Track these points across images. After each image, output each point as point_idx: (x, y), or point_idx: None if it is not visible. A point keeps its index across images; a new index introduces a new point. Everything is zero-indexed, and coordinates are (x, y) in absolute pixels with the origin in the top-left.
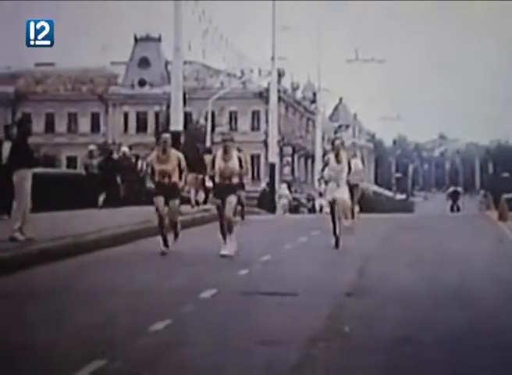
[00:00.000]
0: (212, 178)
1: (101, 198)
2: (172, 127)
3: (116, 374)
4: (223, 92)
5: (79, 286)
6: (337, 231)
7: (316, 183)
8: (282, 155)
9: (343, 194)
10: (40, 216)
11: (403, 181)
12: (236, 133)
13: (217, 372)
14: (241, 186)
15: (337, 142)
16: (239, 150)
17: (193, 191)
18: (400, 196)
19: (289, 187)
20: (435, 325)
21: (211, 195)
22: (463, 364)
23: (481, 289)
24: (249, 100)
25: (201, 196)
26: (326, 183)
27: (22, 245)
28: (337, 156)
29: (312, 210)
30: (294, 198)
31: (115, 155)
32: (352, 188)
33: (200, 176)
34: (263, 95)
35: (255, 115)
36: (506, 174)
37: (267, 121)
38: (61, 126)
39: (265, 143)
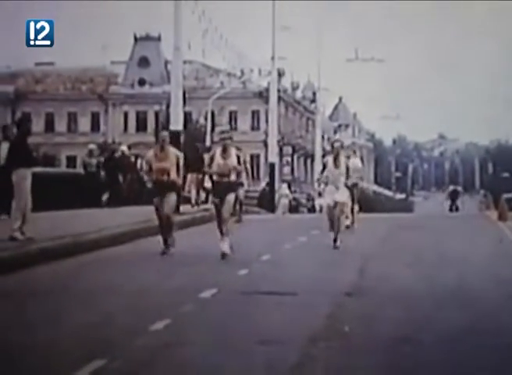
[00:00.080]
0: (210, 176)
1: (105, 197)
2: (172, 127)
3: (116, 374)
4: (223, 92)
5: (79, 285)
6: (335, 232)
7: (315, 184)
8: (281, 155)
9: (343, 196)
10: (40, 215)
11: (403, 181)
12: (236, 133)
13: (217, 371)
14: (240, 184)
15: (336, 145)
16: (238, 149)
17: (193, 191)
18: (400, 196)
19: (289, 187)
20: (435, 325)
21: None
22: (462, 364)
23: (480, 289)
24: (249, 99)
25: (202, 196)
26: (326, 184)
27: (22, 245)
28: (336, 160)
29: (312, 210)
30: (294, 198)
31: (117, 154)
32: (351, 187)
33: (201, 176)
34: (263, 95)
35: (255, 114)
36: (505, 174)
37: (267, 121)
38: (61, 125)
39: (265, 143)
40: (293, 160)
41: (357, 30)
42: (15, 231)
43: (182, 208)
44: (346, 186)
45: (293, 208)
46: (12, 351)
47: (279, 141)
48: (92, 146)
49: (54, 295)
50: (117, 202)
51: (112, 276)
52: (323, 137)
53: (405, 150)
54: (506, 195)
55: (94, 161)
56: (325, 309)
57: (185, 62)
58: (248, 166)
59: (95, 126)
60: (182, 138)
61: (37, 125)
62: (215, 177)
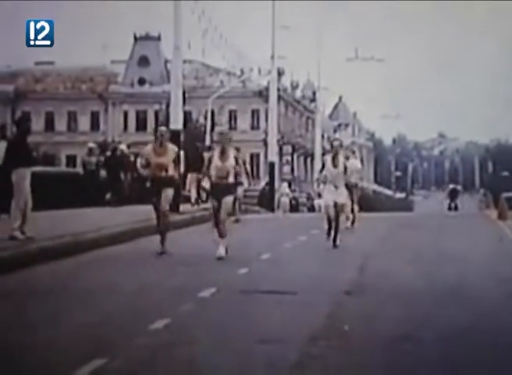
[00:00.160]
0: (209, 177)
1: (108, 196)
2: (172, 126)
3: (116, 373)
4: (223, 91)
5: (78, 285)
6: (334, 232)
7: (315, 184)
8: (281, 154)
9: (342, 196)
10: (39, 214)
11: (403, 180)
12: (236, 132)
13: (217, 370)
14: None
15: (335, 144)
16: (237, 150)
17: (193, 191)
18: (400, 195)
19: (289, 186)
20: (435, 323)
21: None
22: (462, 362)
23: (480, 287)
24: (249, 99)
25: (203, 195)
26: (324, 183)
27: (22, 244)
28: (334, 159)
29: (312, 209)
30: (293, 197)
31: (118, 152)
32: (351, 188)
33: (201, 176)
34: (263, 94)
35: (255, 113)
36: (505, 173)
37: (266, 120)
38: (60, 124)
39: (265, 142)
40: (292, 159)
41: (357, 29)
42: (15, 230)
43: (182, 207)
44: (347, 187)
45: (293, 207)
46: (12, 350)
47: (278, 140)
48: (92, 144)
49: (54, 295)
50: (120, 201)
51: (111, 276)
52: (323, 136)
53: (405, 149)
54: (505, 194)
55: (93, 159)
56: (325, 308)
57: (185, 61)
58: (248, 166)
59: (95, 125)
60: (181, 137)
61: (37, 124)
62: (213, 179)
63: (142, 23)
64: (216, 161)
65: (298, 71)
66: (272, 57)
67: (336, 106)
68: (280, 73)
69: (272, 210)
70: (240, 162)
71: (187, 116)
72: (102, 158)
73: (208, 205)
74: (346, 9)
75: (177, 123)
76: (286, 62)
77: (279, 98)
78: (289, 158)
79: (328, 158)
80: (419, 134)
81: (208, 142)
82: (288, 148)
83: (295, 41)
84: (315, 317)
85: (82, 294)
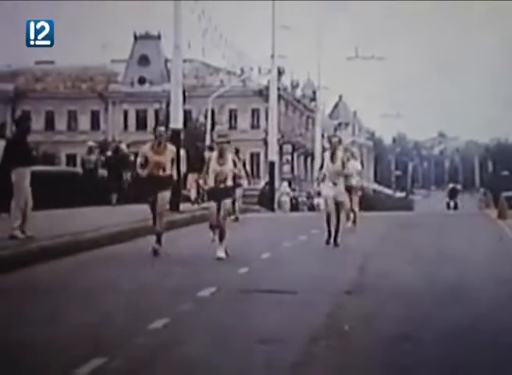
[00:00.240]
0: (204, 182)
1: (114, 199)
2: (172, 125)
3: (115, 372)
4: (223, 90)
5: (78, 284)
6: (332, 230)
7: (315, 183)
8: (281, 153)
9: (341, 194)
10: (39, 214)
11: (403, 179)
12: (236, 132)
13: (216, 370)
14: (238, 186)
15: (334, 140)
16: (237, 151)
17: (193, 191)
18: (400, 194)
19: (289, 185)
20: (435, 322)
21: None
22: (462, 361)
23: (480, 287)
24: (249, 98)
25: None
26: (323, 180)
27: (22, 243)
28: (333, 155)
29: (312, 208)
30: (294, 197)
31: (121, 152)
32: (351, 190)
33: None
34: (263, 93)
35: (255, 113)
36: (505, 172)
37: (267, 119)
38: (60, 124)
39: (265, 141)
40: (293, 158)
41: (357, 28)
42: (15, 230)
43: (182, 206)
44: (346, 186)
45: (293, 206)
46: (12, 349)
47: (278, 140)
48: (91, 143)
49: (53, 293)
50: (123, 200)
51: (111, 275)
52: (323, 135)
53: (405, 148)
54: (505, 193)
55: (93, 157)
56: (325, 308)
57: (185, 60)
58: (248, 167)
59: (95, 124)
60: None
61: (37, 123)
62: (210, 182)
63: (142, 22)
64: (214, 165)
65: (298, 70)
66: (272, 56)
67: (336, 105)
68: (280, 73)
69: (272, 209)
70: (239, 165)
71: (187, 115)
72: (102, 158)
73: (207, 205)
74: (346, 9)
75: (177, 122)
76: (287, 62)
77: (279, 97)
78: (290, 157)
79: (327, 154)
80: (419, 134)
81: (208, 141)
82: (288, 148)
83: (295, 41)
84: (315, 317)
85: (81, 293)
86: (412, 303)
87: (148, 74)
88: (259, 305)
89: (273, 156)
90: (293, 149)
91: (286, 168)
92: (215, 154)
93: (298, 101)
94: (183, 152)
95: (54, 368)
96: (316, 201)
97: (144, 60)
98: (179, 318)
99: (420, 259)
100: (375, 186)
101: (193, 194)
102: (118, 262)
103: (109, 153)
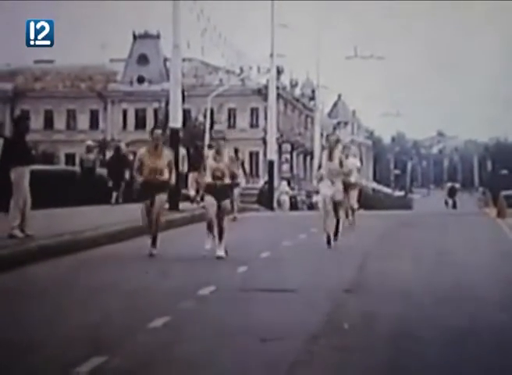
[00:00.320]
0: (201, 180)
1: (115, 195)
2: (171, 124)
3: (115, 371)
4: (222, 89)
5: (77, 283)
6: (329, 229)
7: (314, 181)
8: (280, 152)
9: (339, 193)
10: (38, 213)
11: (402, 178)
12: (235, 131)
13: (216, 368)
14: (235, 185)
15: (332, 138)
16: (236, 150)
17: (192, 190)
18: (399, 193)
19: (288, 184)
20: (434, 321)
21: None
22: (462, 361)
23: (479, 286)
24: (248, 97)
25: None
26: (321, 179)
27: (21, 242)
28: (331, 154)
29: (311, 207)
30: (293, 196)
31: (122, 152)
32: (350, 187)
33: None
34: (262, 92)
35: (254, 112)
36: (504, 171)
37: (266, 118)
38: (60, 123)
39: (264, 140)
40: (292, 157)
41: (357, 27)
42: (14, 229)
43: (181, 205)
44: (345, 183)
45: (293, 205)
46: (11, 348)
47: (277, 139)
48: (90, 142)
49: (52, 292)
50: (124, 200)
51: (110, 274)
52: (322, 134)
53: (404, 147)
54: (504, 192)
55: (91, 157)
56: (324, 306)
57: (184, 59)
58: (246, 166)
59: (94, 123)
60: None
61: (36, 122)
62: (208, 179)
63: (141, 21)
64: (211, 161)
65: (297, 69)
66: (271, 55)
67: (335, 104)
68: (279, 72)
69: (272, 208)
70: (237, 163)
71: (186, 114)
72: (101, 157)
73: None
74: (346, 8)
75: (176, 121)
76: (286, 61)
77: (278, 96)
78: (289, 156)
79: (325, 153)
80: (418, 133)
81: (207, 140)
82: (287, 147)
83: (294, 40)
84: (315, 315)
85: (81, 291)
86: (411, 301)
87: (147, 73)
88: (259, 303)
89: (272, 155)
90: (292, 148)
91: (285, 167)
92: (212, 151)
93: (297, 100)
94: (183, 151)
95: (53, 367)
96: (315, 199)
97: (143, 59)
98: (178, 316)
99: (419, 258)
100: (374, 185)
101: (192, 193)
102: (117, 261)
103: (110, 153)
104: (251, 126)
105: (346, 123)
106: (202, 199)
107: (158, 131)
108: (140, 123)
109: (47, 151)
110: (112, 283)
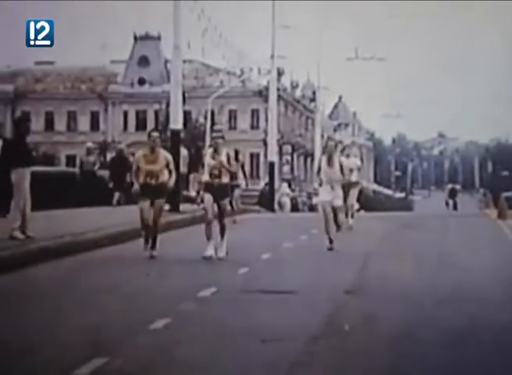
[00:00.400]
0: (200, 181)
1: (116, 197)
2: (172, 126)
3: (116, 372)
4: (223, 91)
5: (78, 284)
6: (330, 232)
7: (315, 184)
8: (281, 154)
9: (338, 199)
10: (39, 214)
11: (403, 180)
12: (236, 132)
13: (217, 370)
14: (236, 186)
15: (330, 143)
16: (237, 152)
17: (193, 192)
18: (399, 194)
19: (289, 186)
20: (435, 322)
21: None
22: (462, 362)
23: (480, 287)
24: (248, 98)
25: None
26: (321, 184)
27: (21, 244)
28: (329, 159)
29: (312, 208)
30: (293, 197)
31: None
32: (351, 186)
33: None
34: (262, 94)
35: (254, 113)
36: (505, 173)
37: (266, 119)
38: (60, 124)
39: (265, 141)
40: (292, 159)
41: (357, 28)
42: (15, 230)
43: (182, 206)
44: (346, 184)
45: (293, 206)
46: (12, 349)
47: (278, 140)
48: (90, 144)
49: (53, 294)
50: (126, 201)
51: (111, 275)
52: (323, 135)
53: (405, 149)
54: (505, 194)
55: (91, 159)
56: (325, 307)
57: (184, 61)
58: (247, 168)
59: (95, 125)
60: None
61: (37, 124)
62: (206, 177)
63: (142, 22)
64: (209, 159)
65: (298, 71)
66: (272, 57)
67: (335, 106)
68: (280, 73)
69: (272, 210)
70: (233, 161)
71: (187, 115)
72: (102, 158)
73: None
74: (346, 9)
75: (177, 122)
76: (286, 62)
77: (279, 97)
78: (289, 157)
79: (324, 158)
80: (419, 134)
81: (207, 142)
82: (288, 148)
83: (295, 41)
84: (315, 317)
85: (82, 293)
86: (412, 303)
87: (148, 75)
88: (259, 305)
89: (273, 157)
90: (293, 150)
91: (286, 168)
92: (210, 149)
93: (298, 102)
94: (185, 152)
95: (53, 368)
96: (314, 201)
97: (143, 61)
98: (179, 318)
99: (419, 259)
100: (375, 186)
101: (193, 194)
102: (118, 263)
103: (113, 155)
104: (252, 127)
105: (346, 125)
106: (203, 201)
107: (155, 134)
108: (141, 125)
109: (47, 153)
110: (113, 284)
